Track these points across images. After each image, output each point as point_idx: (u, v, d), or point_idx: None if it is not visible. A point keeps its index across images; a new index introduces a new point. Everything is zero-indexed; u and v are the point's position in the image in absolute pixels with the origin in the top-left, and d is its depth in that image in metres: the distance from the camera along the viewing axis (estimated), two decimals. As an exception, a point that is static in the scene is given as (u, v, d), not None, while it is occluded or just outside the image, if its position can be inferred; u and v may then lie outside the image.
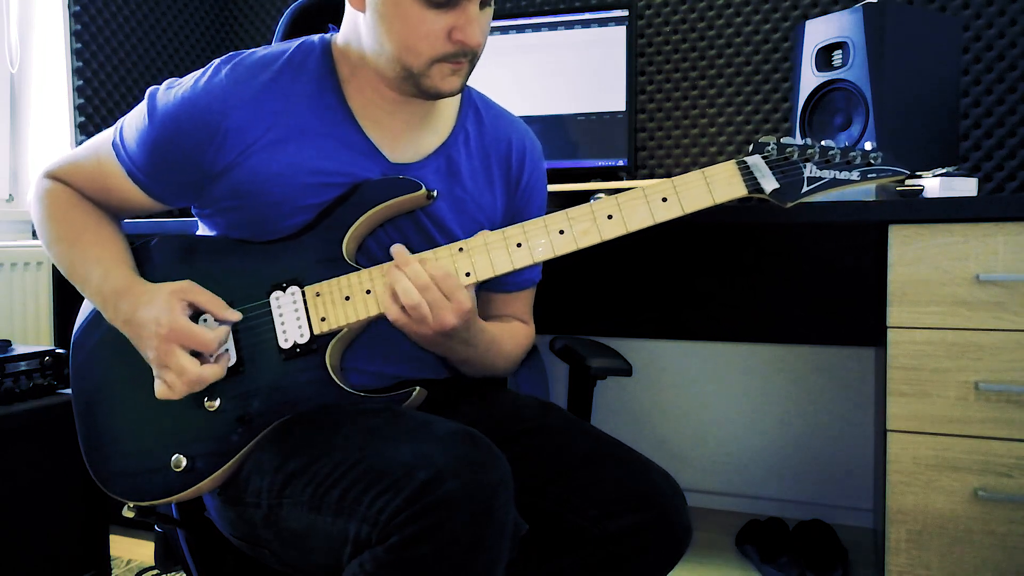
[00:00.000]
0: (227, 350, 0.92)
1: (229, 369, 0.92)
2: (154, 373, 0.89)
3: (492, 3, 0.92)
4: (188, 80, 0.96)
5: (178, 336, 0.86)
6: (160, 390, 0.88)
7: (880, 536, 1.42)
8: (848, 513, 2.03)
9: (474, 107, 1.08)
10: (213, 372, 0.88)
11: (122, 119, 1.01)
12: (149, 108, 0.96)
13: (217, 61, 0.97)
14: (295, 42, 1.00)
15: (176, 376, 0.87)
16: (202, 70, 0.97)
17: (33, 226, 1.98)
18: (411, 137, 1.00)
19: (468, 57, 0.91)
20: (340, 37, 0.99)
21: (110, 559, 1.71)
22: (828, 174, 0.90)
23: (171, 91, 0.96)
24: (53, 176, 1.03)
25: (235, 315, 0.91)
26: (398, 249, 0.91)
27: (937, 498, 1.31)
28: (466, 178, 1.03)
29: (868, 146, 0.91)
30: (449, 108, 1.05)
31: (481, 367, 1.03)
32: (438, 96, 0.94)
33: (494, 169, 1.07)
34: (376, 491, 0.75)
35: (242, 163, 0.93)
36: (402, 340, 1.01)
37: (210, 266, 0.96)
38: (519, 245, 0.91)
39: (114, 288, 0.92)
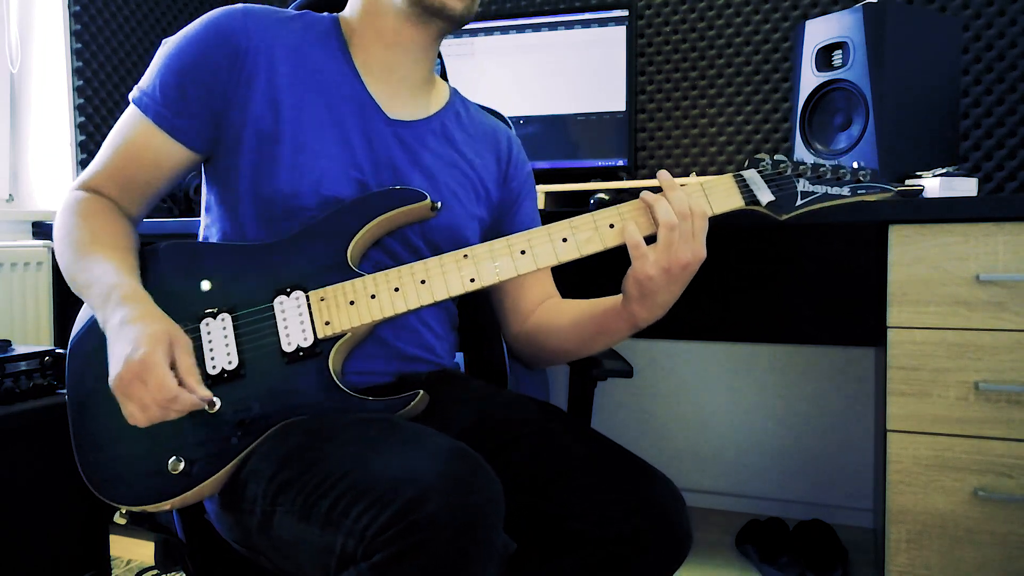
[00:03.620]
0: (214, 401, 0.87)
1: (230, 372, 0.92)
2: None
3: None
4: (200, 17, 1.00)
5: (144, 370, 0.80)
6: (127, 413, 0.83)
7: (880, 536, 1.42)
8: (848, 513, 2.03)
9: (460, 98, 1.16)
10: (186, 402, 0.82)
11: (136, 86, 1.03)
12: (164, 51, 0.99)
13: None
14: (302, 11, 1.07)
15: (136, 406, 0.82)
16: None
17: (33, 226, 1.99)
18: (408, 97, 1.06)
19: None
20: (346, 10, 1.06)
21: (110, 559, 1.71)
22: (820, 189, 0.95)
23: (184, 30, 0.99)
24: (84, 187, 1.02)
25: (205, 394, 0.84)
26: (665, 175, 0.93)
27: (937, 498, 1.31)
28: (460, 143, 1.10)
29: (856, 165, 0.97)
30: (440, 90, 1.12)
31: (604, 346, 1.07)
32: (442, 12, 0.98)
33: (483, 146, 1.13)
34: (363, 505, 0.74)
35: (259, 91, 0.97)
36: (404, 321, 1.02)
37: (214, 271, 0.96)
38: (523, 252, 0.94)
39: (120, 296, 0.89)
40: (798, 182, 0.95)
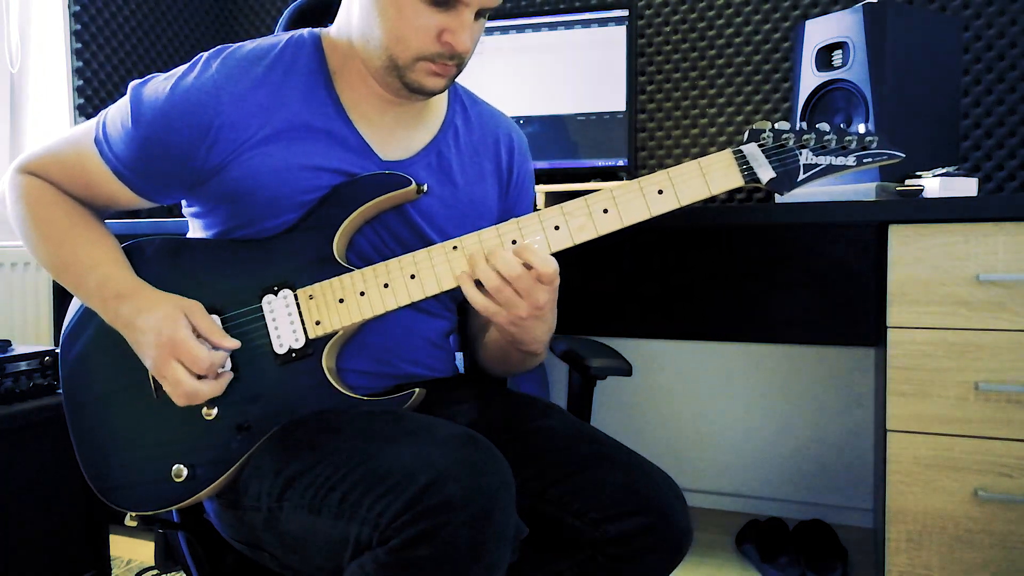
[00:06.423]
0: (226, 368, 0.91)
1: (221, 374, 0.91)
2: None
3: (486, 16, 0.93)
4: (175, 75, 0.94)
5: (175, 349, 0.86)
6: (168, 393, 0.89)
7: (880, 536, 1.42)
8: (848, 513, 2.03)
9: (461, 103, 1.08)
10: (210, 388, 0.87)
11: (103, 112, 0.97)
12: (134, 104, 0.92)
13: (206, 55, 0.95)
14: (285, 36, 0.99)
15: (172, 387, 0.87)
16: (189, 64, 0.94)
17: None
18: (402, 134, 1.00)
19: (455, 61, 0.91)
20: (333, 28, 0.99)
21: (110, 559, 1.71)
22: (824, 160, 0.89)
23: (157, 87, 0.93)
24: (29, 171, 0.98)
25: (232, 344, 0.89)
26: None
27: (937, 498, 1.31)
28: (456, 173, 1.03)
29: (862, 128, 0.91)
30: (438, 105, 1.05)
31: (524, 365, 1.06)
32: (421, 91, 0.93)
33: (484, 164, 1.07)
34: (376, 494, 0.75)
35: (235, 161, 0.92)
36: (399, 339, 1.01)
37: (199, 269, 0.95)
38: (514, 242, 0.89)
39: (116, 291, 0.91)
40: (801, 154, 0.89)
